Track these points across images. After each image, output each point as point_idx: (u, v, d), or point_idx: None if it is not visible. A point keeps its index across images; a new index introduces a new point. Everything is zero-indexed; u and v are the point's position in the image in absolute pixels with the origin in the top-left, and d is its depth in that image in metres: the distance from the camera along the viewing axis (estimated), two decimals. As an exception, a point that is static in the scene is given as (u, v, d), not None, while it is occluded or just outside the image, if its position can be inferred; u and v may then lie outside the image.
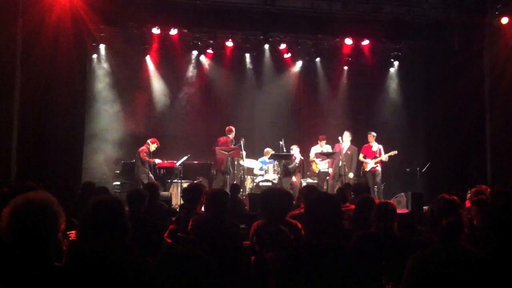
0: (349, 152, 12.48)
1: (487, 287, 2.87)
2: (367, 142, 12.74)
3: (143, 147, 11.94)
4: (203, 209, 5.74)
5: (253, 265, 3.73)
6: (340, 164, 12.35)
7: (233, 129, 12.56)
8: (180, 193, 11.66)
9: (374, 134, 12.66)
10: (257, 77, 14.79)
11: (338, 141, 12.58)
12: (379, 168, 12.47)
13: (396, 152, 12.52)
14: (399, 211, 10.45)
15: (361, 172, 12.73)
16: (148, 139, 12.12)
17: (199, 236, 4.65)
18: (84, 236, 2.91)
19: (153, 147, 11.97)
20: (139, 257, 2.96)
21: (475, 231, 4.10)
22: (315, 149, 12.84)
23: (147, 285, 2.07)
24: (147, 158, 11.79)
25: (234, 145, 12.26)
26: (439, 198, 3.14)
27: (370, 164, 12.46)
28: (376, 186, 12.36)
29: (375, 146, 12.56)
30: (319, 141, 12.83)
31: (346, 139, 12.67)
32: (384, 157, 12.46)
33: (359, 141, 12.99)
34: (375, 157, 12.48)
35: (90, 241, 2.81)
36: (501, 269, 2.92)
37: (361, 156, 12.66)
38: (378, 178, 12.47)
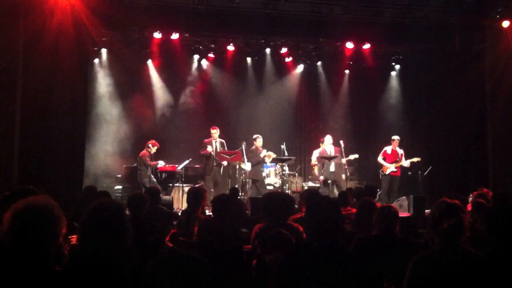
0: (337, 155, 12.46)
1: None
2: (375, 145, 12.75)
3: (144, 151, 11.96)
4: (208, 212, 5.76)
5: (254, 268, 3.73)
6: (333, 170, 12.30)
7: (213, 129, 12.37)
8: (182, 197, 11.68)
9: (399, 138, 12.70)
10: (259, 81, 14.81)
11: (339, 145, 12.54)
12: (398, 174, 12.53)
13: (419, 159, 12.54)
14: (401, 214, 10.45)
15: (380, 175, 12.72)
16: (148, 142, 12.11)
17: (202, 239, 4.68)
18: (84, 239, 2.91)
19: (153, 149, 11.97)
20: (139, 261, 2.96)
21: (475, 234, 4.10)
22: (317, 153, 12.82)
23: (146, 287, 2.07)
24: (150, 161, 11.80)
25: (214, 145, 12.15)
26: (440, 201, 3.15)
27: (390, 168, 12.46)
28: (391, 192, 12.35)
29: (399, 151, 12.59)
30: (321, 144, 12.82)
31: (328, 142, 12.58)
32: (406, 163, 12.46)
33: (361, 144, 12.96)
34: (396, 161, 12.47)
35: (90, 244, 2.81)
36: (501, 270, 2.92)
37: (380, 159, 12.68)
38: (397, 185, 12.48)
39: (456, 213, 3.04)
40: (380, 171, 12.73)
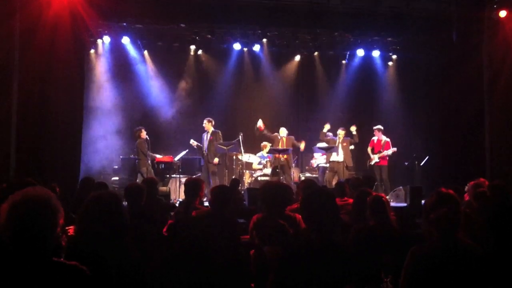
0: (345, 144, 12.44)
1: (485, 280, 2.88)
2: (372, 135, 12.77)
3: (140, 140, 11.92)
4: (206, 204, 5.75)
5: (252, 259, 3.73)
6: (339, 159, 12.32)
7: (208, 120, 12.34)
8: (179, 188, 11.69)
9: (381, 127, 12.68)
10: (256, 71, 14.79)
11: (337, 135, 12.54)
12: (385, 164, 12.53)
13: (395, 149, 12.57)
14: (397, 204, 10.51)
15: (368, 165, 12.76)
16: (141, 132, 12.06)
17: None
18: (82, 231, 2.91)
19: (144, 135, 11.95)
20: (137, 252, 2.96)
21: (473, 225, 4.11)
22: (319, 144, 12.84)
23: (146, 280, 2.07)
24: (147, 149, 11.74)
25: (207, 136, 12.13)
26: (435, 191, 3.15)
27: (374, 159, 12.51)
28: (382, 182, 12.38)
29: (385, 139, 12.60)
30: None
31: (341, 136, 12.57)
32: (386, 153, 12.45)
33: (358, 135, 12.94)
34: (379, 152, 12.49)
35: (88, 236, 2.81)
36: (499, 263, 2.93)
37: (369, 150, 12.71)
38: (385, 175, 12.48)
39: (450, 203, 3.04)
40: (367, 161, 12.81)
